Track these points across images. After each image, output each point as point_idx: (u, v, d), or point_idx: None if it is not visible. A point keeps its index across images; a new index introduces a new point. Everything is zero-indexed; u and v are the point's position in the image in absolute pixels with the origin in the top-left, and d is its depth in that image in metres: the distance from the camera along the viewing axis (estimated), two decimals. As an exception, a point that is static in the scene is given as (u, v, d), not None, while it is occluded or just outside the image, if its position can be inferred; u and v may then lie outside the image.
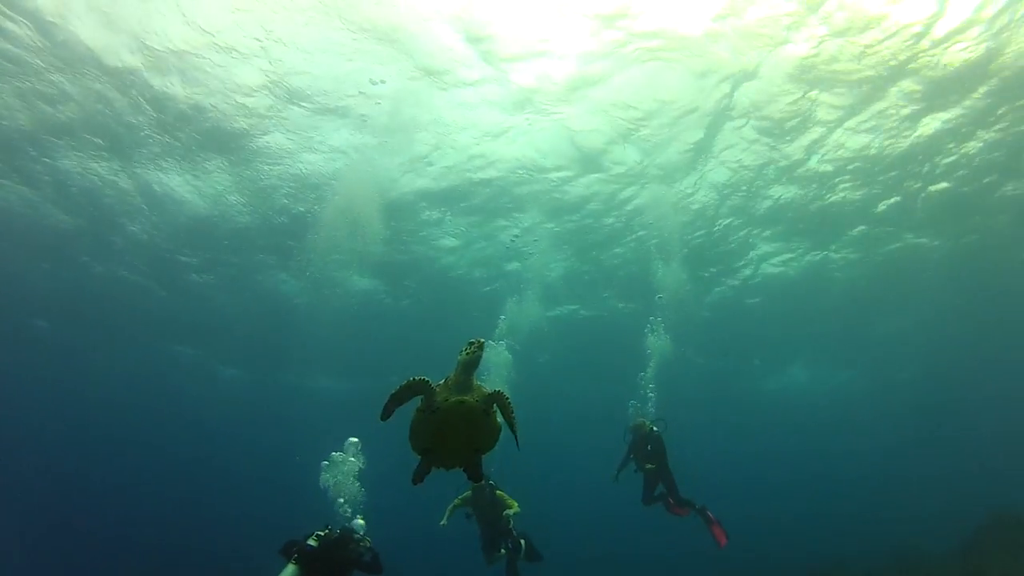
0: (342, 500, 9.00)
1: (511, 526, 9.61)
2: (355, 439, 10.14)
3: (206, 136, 12.10)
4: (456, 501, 9.43)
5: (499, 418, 4.27)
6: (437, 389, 4.06)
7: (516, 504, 9.43)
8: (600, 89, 10.92)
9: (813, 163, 13.14)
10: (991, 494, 21.71)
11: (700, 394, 24.42)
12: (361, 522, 7.28)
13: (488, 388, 4.18)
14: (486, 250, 16.68)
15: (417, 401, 4.12)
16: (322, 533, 6.40)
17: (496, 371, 14.55)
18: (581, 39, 9.84)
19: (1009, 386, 25.74)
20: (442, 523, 9.17)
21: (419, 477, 4.47)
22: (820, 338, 22.68)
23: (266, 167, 13.25)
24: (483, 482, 9.23)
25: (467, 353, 3.99)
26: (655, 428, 10.29)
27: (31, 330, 21.06)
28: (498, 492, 9.43)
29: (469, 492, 9.41)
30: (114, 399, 27.15)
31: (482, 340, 4.03)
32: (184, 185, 13.87)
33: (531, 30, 9.72)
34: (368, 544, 6.58)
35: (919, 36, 9.75)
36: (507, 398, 4.15)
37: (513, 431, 4.24)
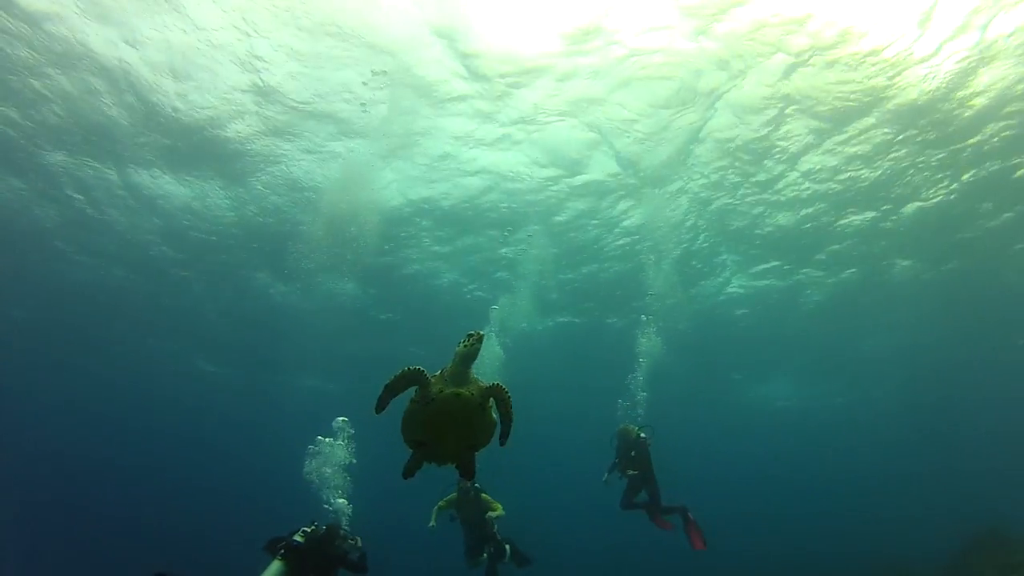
0: (328, 471, 8.88)
1: (495, 530, 9.63)
2: (342, 419, 10.05)
3: (197, 134, 12.06)
4: (441, 503, 9.45)
5: (494, 414, 4.12)
6: (433, 380, 3.95)
7: (500, 507, 9.46)
8: (588, 100, 11.11)
9: (791, 179, 13.38)
10: (977, 507, 22.25)
11: (686, 394, 24.60)
12: (343, 502, 7.21)
13: (485, 382, 4.05)
14: (475, 255, 16.78)
15: (412, 392, 4.01)
16: (308, 529, 6.37)
17: (488, 363, 14.60)
18: (566, 54, 10.04)
19: (990, 403, 26.09)
20: (431, 525, 9.17)
21: (410, 471, 4.33)
22: (798, 353, 23.05)
23: (256, 168, 13.25)
24: (471, 483, 9.27)
25: (465, 345, 3.87)
26: (642, 435, 10.12)
27: (8, 321, 20.75)
28: (483, 495, 9.44)
29: (454, 494, 9.45)
30: (95, 392, 26.84)
31: (481, 333, 3.91)
32: (173, 183, 13.85)
33: (519, 43, 9.89)
34: (358, 543, 6.55)
35: (896, 62, 10.07)
36: (506, 392, 4.02)
37: (505, 426, 4.11)
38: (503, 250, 16.30)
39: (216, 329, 21.15)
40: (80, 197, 14.34)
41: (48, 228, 15.48)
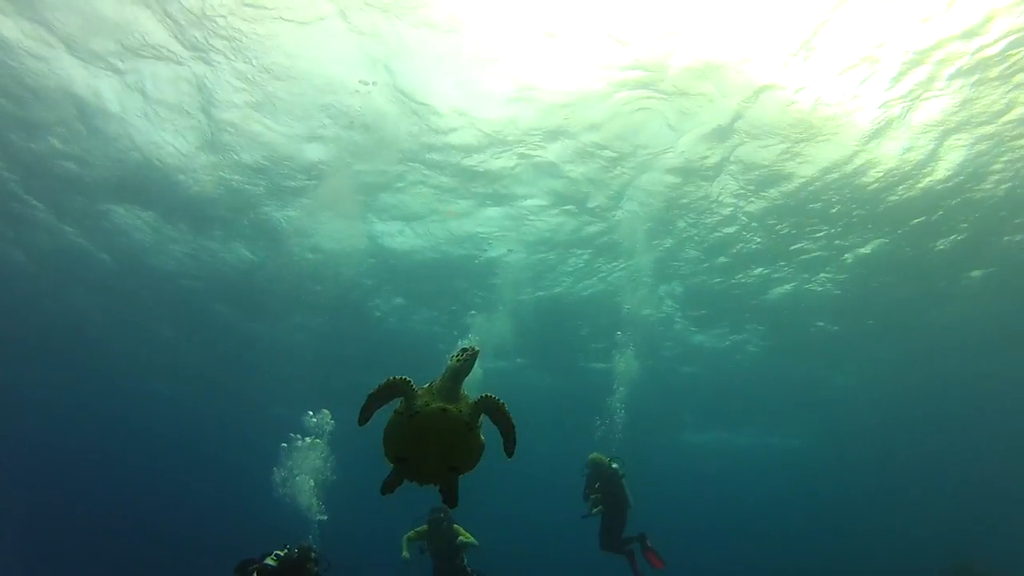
0: (301, 474, 8.59)
1: (465, 563, 9.54)
2: (312, 413, 9.74)
3: (161, 173, 12.37)
4: (411, 533, 9.28)
5: (483, 436, 3.89)
6: (420, 393, 3.74)
7: (472, 538, 9.42)
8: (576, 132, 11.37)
9: (735, 229, 13.93)
10: (950, 541, 22.59)
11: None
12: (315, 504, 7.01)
13: (474, 398, 3.81)
14: (446, 294, 17.20)
15: (398, 404, 3.81)
16: (282, 553, 6.30)
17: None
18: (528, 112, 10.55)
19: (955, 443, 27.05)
20: (404, 556, 8.97)
21: (389, 487, 4.06)
22: (753, 398, 23.97)
23: (227, 210, 13.75)
24: (444, 514, 9.22)
25: (457, 359, 3.65)
26: (614, 465, 9.76)
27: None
28: (455, 526, 9.35)
29: (425, 526, 9.32)
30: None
31: (476, 348, 3.68)
32: (145, 228, 14.39)
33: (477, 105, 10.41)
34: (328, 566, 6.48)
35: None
36: (498, 400, 3.78)
37: (508, 435, 3.86)
38: (477, 296, 16.77)
39: (180, 355, 21.26)
40: (56, 248, 14.81)
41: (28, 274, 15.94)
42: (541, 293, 16.90)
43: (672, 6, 8.43)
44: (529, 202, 13.16)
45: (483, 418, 3.88)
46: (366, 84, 9.95)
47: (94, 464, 32.90)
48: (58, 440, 29.76)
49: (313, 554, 6.47)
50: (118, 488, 35.54)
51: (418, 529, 9.34)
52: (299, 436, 9.75)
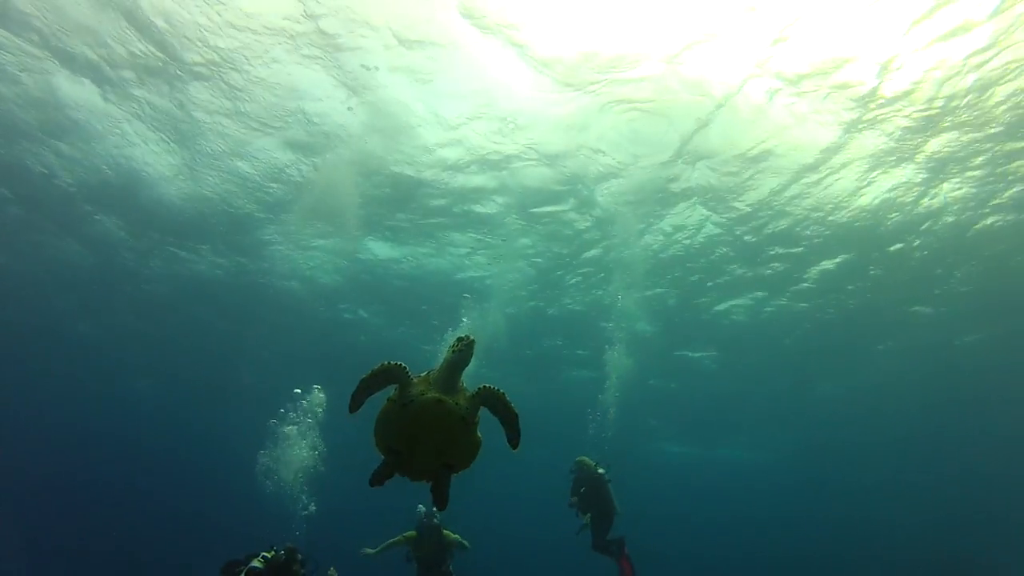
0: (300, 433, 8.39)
1: (451, 569, 9.39)
2: (299, 389, 9.53)
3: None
4: (397, 538, 9.06)
5: (479, 434, 3.68)
6: (416, 381, 3.54)
7: (463, 540, 9.28)
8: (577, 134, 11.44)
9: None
10: (949, 536, 22.67)
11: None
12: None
13: (472, 390, 3.59)
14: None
15: (391, 392, 3.61)
16: (268, 554, 6.20)
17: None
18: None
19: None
20: (366, 551, 8.71)
21: (378, 479, 3.78)
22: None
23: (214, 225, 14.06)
24: (434, 519, 9.09)
25: (455, 350, 3.44)
26: (600, 470, 9.65)
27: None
28: (445, 532, 9.13)
29: (414, 532, 9.09)
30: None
31: (473, 339, 3.47)
32: (126, 232, 14.58)
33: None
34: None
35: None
36: (498, 390, 3.57)
37: (509, 428, 3.66)
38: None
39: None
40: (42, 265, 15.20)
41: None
42: (518, 305, 17.04)
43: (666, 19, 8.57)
44: (503, 212, 13.29)
45: (482, 415, 3.66)
46: (351, 97, 10.03)
47: (88, 457, 33.19)
48: (50, 432, 29.86)
49: (299, 555, 6.39)
50: (110, 481, 35.77)
51: (406, 535, 9.09)
52: (289, 412, 9.59)
